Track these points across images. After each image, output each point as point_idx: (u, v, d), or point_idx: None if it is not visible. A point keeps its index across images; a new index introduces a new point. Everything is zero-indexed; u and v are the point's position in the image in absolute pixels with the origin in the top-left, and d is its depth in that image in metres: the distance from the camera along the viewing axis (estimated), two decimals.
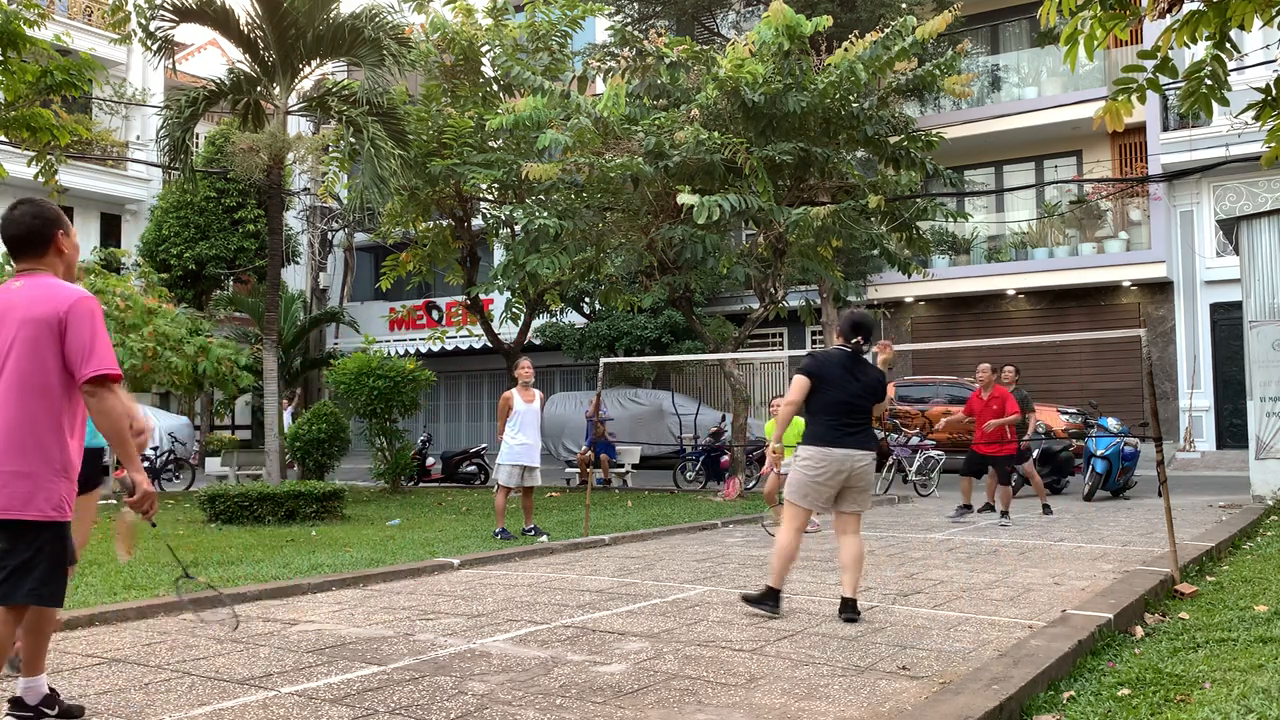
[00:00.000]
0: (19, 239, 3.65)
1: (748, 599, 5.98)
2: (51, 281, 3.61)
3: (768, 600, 5.84)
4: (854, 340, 5.90)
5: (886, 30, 12.94)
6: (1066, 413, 18.16)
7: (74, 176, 24.12)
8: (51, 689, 3.78)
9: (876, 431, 18.34)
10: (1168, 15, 5.23)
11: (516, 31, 16.36)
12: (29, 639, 3.66)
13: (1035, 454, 13.53)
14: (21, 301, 3.54)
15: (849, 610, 5.68)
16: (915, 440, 15.36)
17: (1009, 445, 11.16)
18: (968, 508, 11.59)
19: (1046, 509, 11.76)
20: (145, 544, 7.34)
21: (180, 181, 22.33)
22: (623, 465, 17.97)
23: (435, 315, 28.55)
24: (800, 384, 5.89)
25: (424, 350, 27.18)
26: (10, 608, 3.48)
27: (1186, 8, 5.35)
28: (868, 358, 6.05)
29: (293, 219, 29.90)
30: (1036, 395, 17.53)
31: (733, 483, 14.47)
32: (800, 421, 6.54)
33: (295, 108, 16.28)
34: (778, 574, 5.85)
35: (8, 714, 3.65)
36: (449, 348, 26.88)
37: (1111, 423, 14.19)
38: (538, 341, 24.61)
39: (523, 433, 9.81)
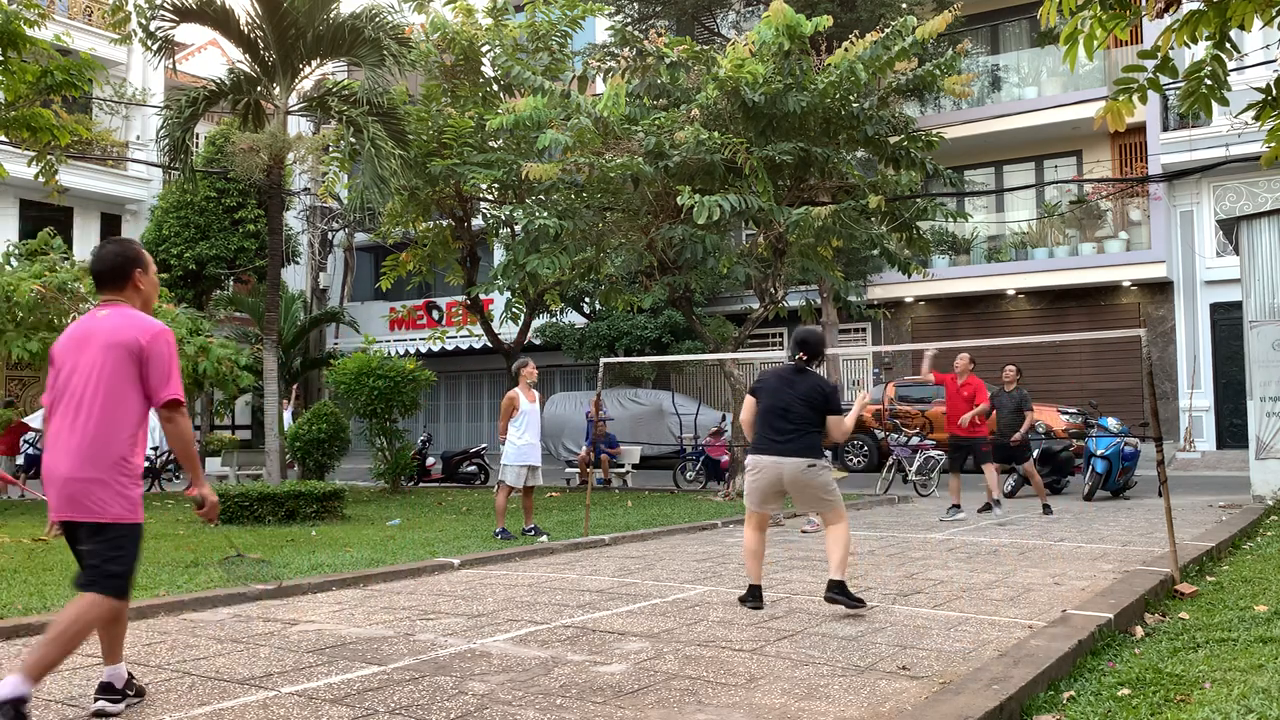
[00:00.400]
0: (104, 274, 4.11)
1: (740, 599, 6.35)
2: (132, 312, 4.06)
3: (749, 598, 6.22)
4: (796, 355, 6.28)
5: (886, 30, 12.93)
6: (1066, 413, 18.16)
7: (74, 176, 24.12)
8: (129, 672, 4.22)
9: (876, 431, 18.54)
10: (1167, 15, 5.24)
11: (516, 31, 16.34)
12: (109, 631, 4.05)
13: (1035, 454, 13.53)
14: (106, 328, 3.98)
15: (832, 590, 5.86)
16: (915, 440, 15.35)
17: (980, 429, 11.68)
18: (957, 507, 11.62)
19: (1046, 509, 11.77)
20: (147, 543, 7.32)
21: (180, 181, 22.33)
22: (623, 465, 17.98)
23: (435, 315, 28.55)
24: (746, 402, 6.43)
25: (424, 350, 27.18)
26: (94, 596, 3.83)
27: (1186, 8, 5.35)
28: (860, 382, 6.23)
29: (293, 219, 29.89)
30: (1036, 395, 17.51)
31: (722, 451, 14.77)
32: None
33: (295, 108, 16.27)
34: (750, 570, 6.28)
35: (100, 697, 4.03)
36: (449, 348, 26.88)
37: (1111, 423, 14.19)
38: (538, 341, 24.61)
39: (528, 432, 9.85)
